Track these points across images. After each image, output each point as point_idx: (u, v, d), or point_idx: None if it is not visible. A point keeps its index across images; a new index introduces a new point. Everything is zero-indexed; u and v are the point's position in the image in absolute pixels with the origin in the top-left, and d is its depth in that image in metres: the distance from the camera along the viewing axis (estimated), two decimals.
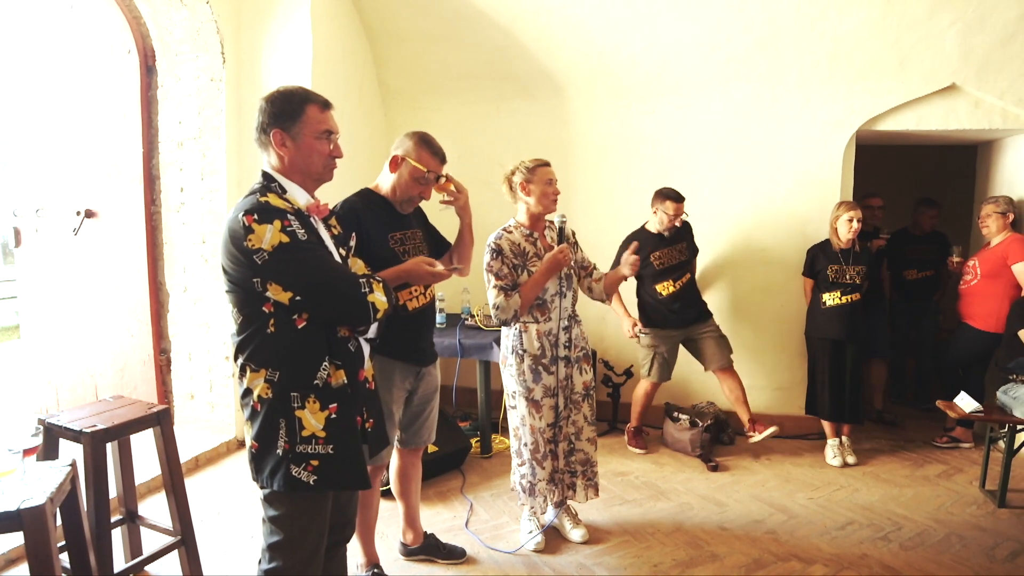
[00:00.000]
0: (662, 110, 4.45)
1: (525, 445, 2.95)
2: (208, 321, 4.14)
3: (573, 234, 3.08)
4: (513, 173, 2.93)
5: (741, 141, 4.34)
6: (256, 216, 1.66)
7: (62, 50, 4.16)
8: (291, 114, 1.79)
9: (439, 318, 4.28)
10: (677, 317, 4.06)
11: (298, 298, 1.69)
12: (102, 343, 4.29)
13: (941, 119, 4.04)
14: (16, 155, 4.45)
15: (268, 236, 1.65)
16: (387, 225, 2.43)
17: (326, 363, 1.76)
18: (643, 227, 4.08)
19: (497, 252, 2.82)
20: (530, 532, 3.04)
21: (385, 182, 2.49)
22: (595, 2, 4.04)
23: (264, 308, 1.72)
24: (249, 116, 4.06)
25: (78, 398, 4.32)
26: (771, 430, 3.90)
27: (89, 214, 4.20)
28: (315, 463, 1.75)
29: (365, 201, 2.44)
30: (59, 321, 4.36)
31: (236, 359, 1.78)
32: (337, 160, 1.90)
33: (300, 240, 1.69)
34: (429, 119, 4.72)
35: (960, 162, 5.46)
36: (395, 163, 2.45)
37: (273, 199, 1.73)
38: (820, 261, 4.01)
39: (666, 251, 4.03)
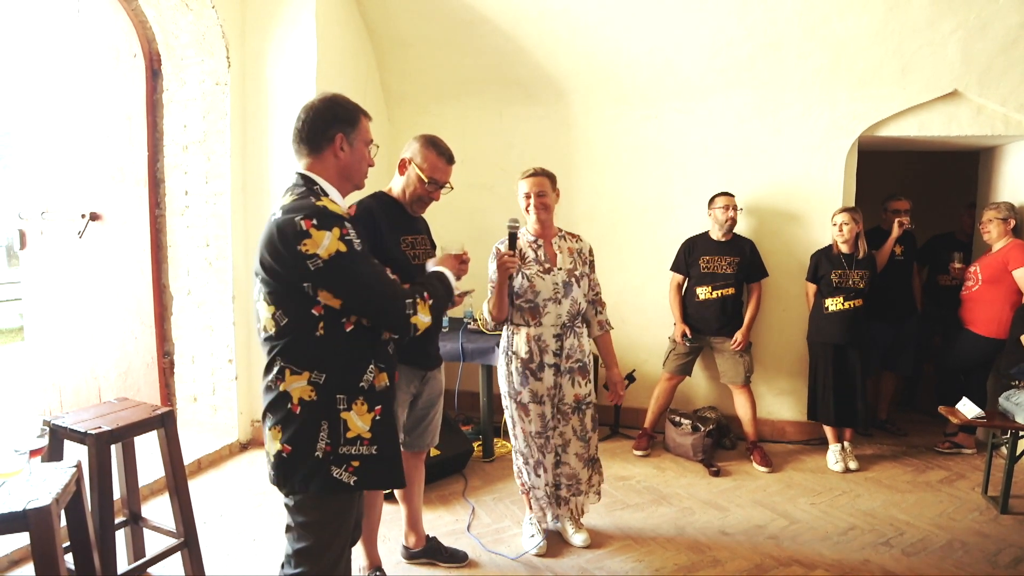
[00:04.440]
0: (664, 115, 4.46)
1: (519, 452, 3.00)
2: (211, 324, 4.16)
3: (590, 252, 3.04)
4: None
5: (743, 146, 4.35)
6: (315, 221, 1.65)
7: (68, 54, 4.19)
8: (351, 120, 1.84)
9: (443, 321, 4.29)
10: (703, 323, 4.12)
11: (347, 306, 1.72)
12: (106, 346, 4.30)
13: (943, 125, 4.05)
14: (22, 158, 4.47)
15: (326, 243, 1.65)
16: (400, 228, 2.47)
17: (372, 366, 1.78)
18: (705, 233, 4.20)
19: (494, 256, 2.84)
20: (532, 536, 3.05)
21: (396, 185, 2.54)
22: (597, 7, 4.06)
23: (313, 311, 1.71)
24: (254, 120, 4.12)
25: (81, 400, 4.34)
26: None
27: (94, 217, 4.22)
28: (356, 464, 1.75)
29: (379, 203, 2.48)
30: (63, 323, 4.38)
31: (273, 362, 1.74)
32: None
33: (356, 250, 1.70)
34: (432, 124, 4.73)
35: (961, 167, 5.48)
36: (403, 166, 2.50)
37: (329, 204, 1.72)
38: (823, 266, 4.02)
39: (715, 258, 4.09)
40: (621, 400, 3.15)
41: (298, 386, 1.72)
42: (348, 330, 1.74)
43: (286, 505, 1.83)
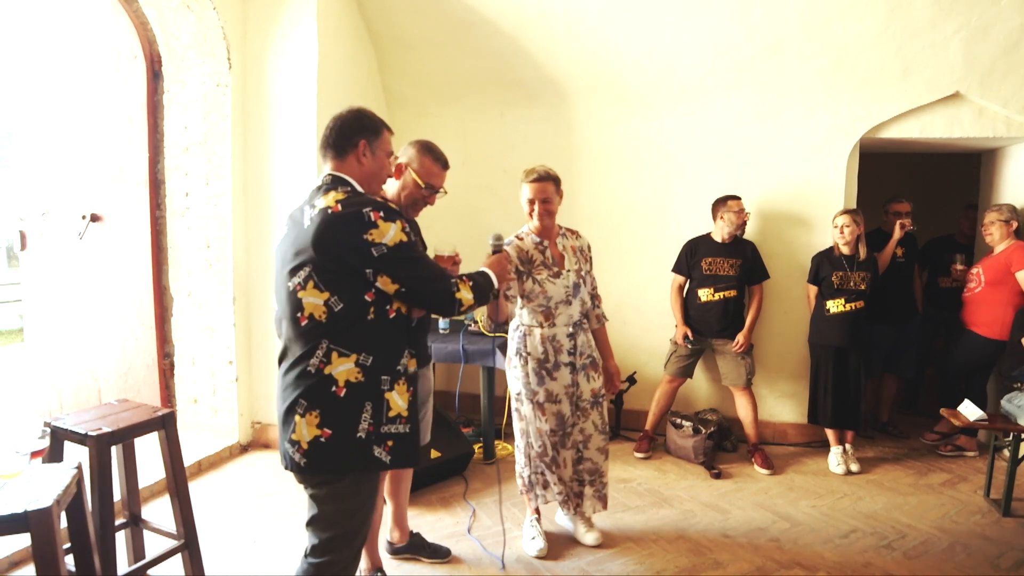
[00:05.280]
0: (666, 117, 4.46)
1: (531, 446, 2.99)
2: (212, 326, 4.15)
3: (588, 248, 3.07)
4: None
5: (745, 148, 4.35)
6: (383, 214, 1.83)
7: (69, 55, 4.19)
8: (374, 130, 2.00)
9: (442, 323, 4.29)
10: (705, 325, 4.13)
11: (403, 290, 1.87)
12: (106, 347, 4.30)
13: (945, 127, 4.05)
14: (23, 159, 4.47)
15: (391, 233, 1.82)
16: None
17: (407, 350, 1.94)
18: (708, 234, 4.19)
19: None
20: (532, 538, 3.04)
21: (390, 188, 2.55)
22: (599, 8, 4.06)
23: (366, 296, 1.85)
24: (255, 121, 4.11)
25: (81, 401, 4.33)
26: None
27: (94, 218, 4.22)
28: (391, 443, 1.89)
29: None
30: (63, 325, 4.37)
31: (318, 346, 1.83)
32: None
33: (412, 241, 1.89)
34: (433, 125, 4.74)
35: (961, 169, 5.47)
36: (399, 170, 2.53)
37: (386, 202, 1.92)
38: (824, 268, 4.02)
39: (718, 260, 4.09)
40: (615, 391, 3.18)
41: (345, 368, 1.83)
42: (391, 316, 1.89)
43: (313, 496, 1.90)
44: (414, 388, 1.96)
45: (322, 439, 1.82)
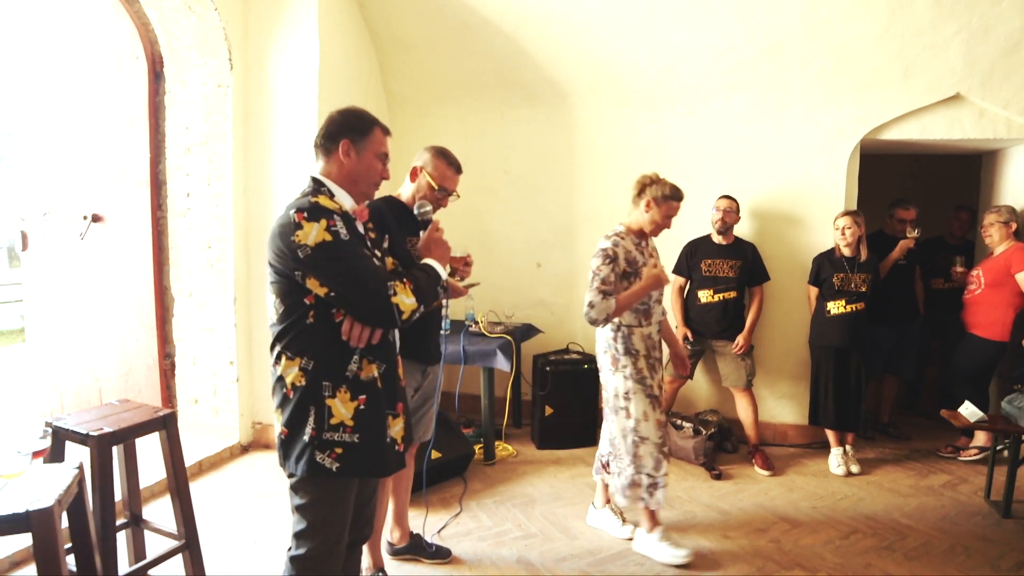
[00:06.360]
0: (667, 118, 4.46)
1: (638, 444, 2.94)
2: (212, 326, 4.15)
3: (655, 250, 3.13)
4: (652, 183, 2.95)
5: (745, 149, 4.35)
6: (306, 214, 1.78)
7: (71, 56, 4.20)
8: (361, 130, 1.95)
9: (443, 324, 4.28)
10: (705, 327, 4.14)
11: (332, 293, 1.79)
12: (107, 347, 4.30)
13: (945, 128, 4.05)
14: (24, 159, 4.48)
15: (313, 233, 1.76)
16: (406, 229, 2.58)
17: (357, 357, 1.86)
18: (707, 236, 4.22)
19: (611, 259, 2.86)
20: (622, 524, 3.15)
21: (405, 191, 2.67)
22: (599, 10, 4.07)
23: (306, 300, 1.83)
24: (256, 122, 4.12)
25: (82, 402, 4.33)
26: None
27: (96, 218, 4.22)
28: (339, 451, 1.84)
29: (388, 206, 2.60)
30: (64, 325, 4.38)
31: (273, 348, 1.89)
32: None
33: (341, 240, 1.79)
34: (434, 126, 4.74)
35: (957, 171, 5.47)
36: (414, 173, 2.64)
37: (323, 200, 1.84)
38: (825, 269, 4.02)
39: (717, 261, 4.11)
40: (687, 372, 3.39)
41: (292, 372, 1.85)
42: (337, 320, 1.84)
43: (288, 487, 1.93)
44: (369, 396, 1.86)
45: (282, 436, 1.87)
